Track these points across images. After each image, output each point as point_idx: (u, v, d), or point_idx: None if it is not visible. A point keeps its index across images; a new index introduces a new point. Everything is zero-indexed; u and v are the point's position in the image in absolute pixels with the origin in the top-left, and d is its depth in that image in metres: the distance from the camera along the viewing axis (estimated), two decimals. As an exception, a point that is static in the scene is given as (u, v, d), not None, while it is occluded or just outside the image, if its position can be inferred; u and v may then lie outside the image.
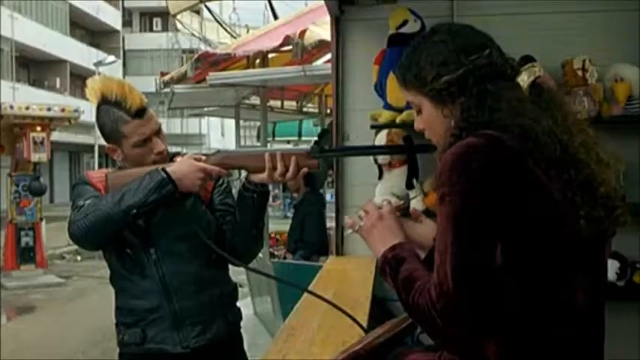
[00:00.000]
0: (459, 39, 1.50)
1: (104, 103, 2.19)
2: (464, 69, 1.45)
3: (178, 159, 2.17)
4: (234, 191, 2.33)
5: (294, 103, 9.73)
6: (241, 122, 9.35)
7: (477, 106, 1.43)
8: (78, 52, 30.37)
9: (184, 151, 1.85)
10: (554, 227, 1.35)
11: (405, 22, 3.17)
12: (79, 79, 31.92)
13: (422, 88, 1.51)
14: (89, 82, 2.24)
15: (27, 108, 10.95)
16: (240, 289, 2.50)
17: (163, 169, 2.08)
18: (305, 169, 2.08)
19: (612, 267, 3.06)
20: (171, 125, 30.14)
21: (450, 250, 1.30)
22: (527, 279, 1.34)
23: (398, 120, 3.16)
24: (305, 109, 10.04)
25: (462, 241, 1.30)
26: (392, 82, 3.04)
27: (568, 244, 1.36)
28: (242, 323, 2.45)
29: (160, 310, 2.21)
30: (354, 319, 1.96)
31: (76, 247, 15.12)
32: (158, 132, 2.23)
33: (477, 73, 1.45)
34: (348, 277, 3.03)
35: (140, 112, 2.17)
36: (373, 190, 3.29)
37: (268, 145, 8.72)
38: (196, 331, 2.24)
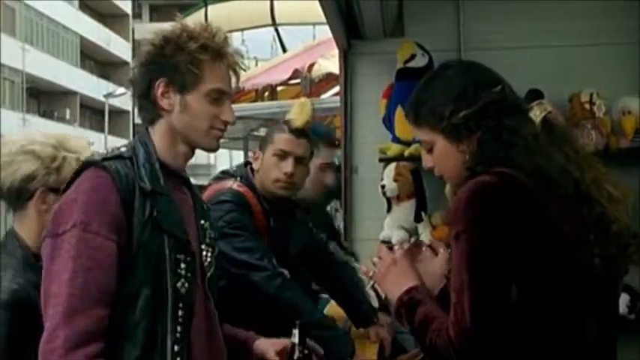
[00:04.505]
0: (473, 73, 1.51)
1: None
2: (483, 101, 1.44)
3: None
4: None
5: (302, 135, 9.74)
6: (249, 154, 9.37)
7: (494, 140, 1.42)
8: (88, 84, 30.60)
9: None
10: (568, 265, 1.35)
11: (412, 57, 3.19)
12: (88, 110, 32.16)
13: (437, 124, 1.49)
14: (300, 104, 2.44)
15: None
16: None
17: None
18: None
19: (623, 300, 3.03)
20: (179, 156, 30.17)
21: (466, 289, 1.30)
22: (542, 316, 1.34)
23: (406, 153, 3.17)
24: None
25: (478, 280, 1.31)
26: (400, 115, 3.06)
27: (581, 281, 1.37)
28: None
29: None
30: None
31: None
32: (301, 160, 2.33)
33: (493, 106, 1.45)
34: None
35: (297, 132, 2.32)
36: (381, 224, 3.28)
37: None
38: None
